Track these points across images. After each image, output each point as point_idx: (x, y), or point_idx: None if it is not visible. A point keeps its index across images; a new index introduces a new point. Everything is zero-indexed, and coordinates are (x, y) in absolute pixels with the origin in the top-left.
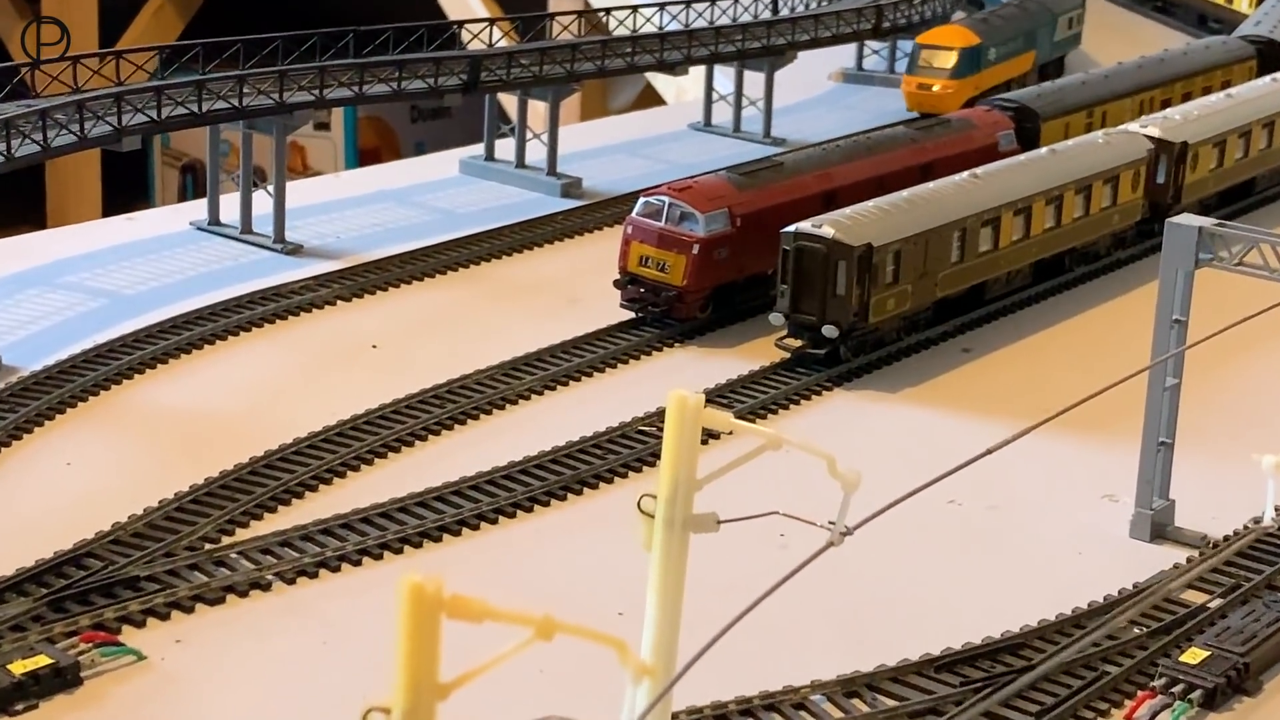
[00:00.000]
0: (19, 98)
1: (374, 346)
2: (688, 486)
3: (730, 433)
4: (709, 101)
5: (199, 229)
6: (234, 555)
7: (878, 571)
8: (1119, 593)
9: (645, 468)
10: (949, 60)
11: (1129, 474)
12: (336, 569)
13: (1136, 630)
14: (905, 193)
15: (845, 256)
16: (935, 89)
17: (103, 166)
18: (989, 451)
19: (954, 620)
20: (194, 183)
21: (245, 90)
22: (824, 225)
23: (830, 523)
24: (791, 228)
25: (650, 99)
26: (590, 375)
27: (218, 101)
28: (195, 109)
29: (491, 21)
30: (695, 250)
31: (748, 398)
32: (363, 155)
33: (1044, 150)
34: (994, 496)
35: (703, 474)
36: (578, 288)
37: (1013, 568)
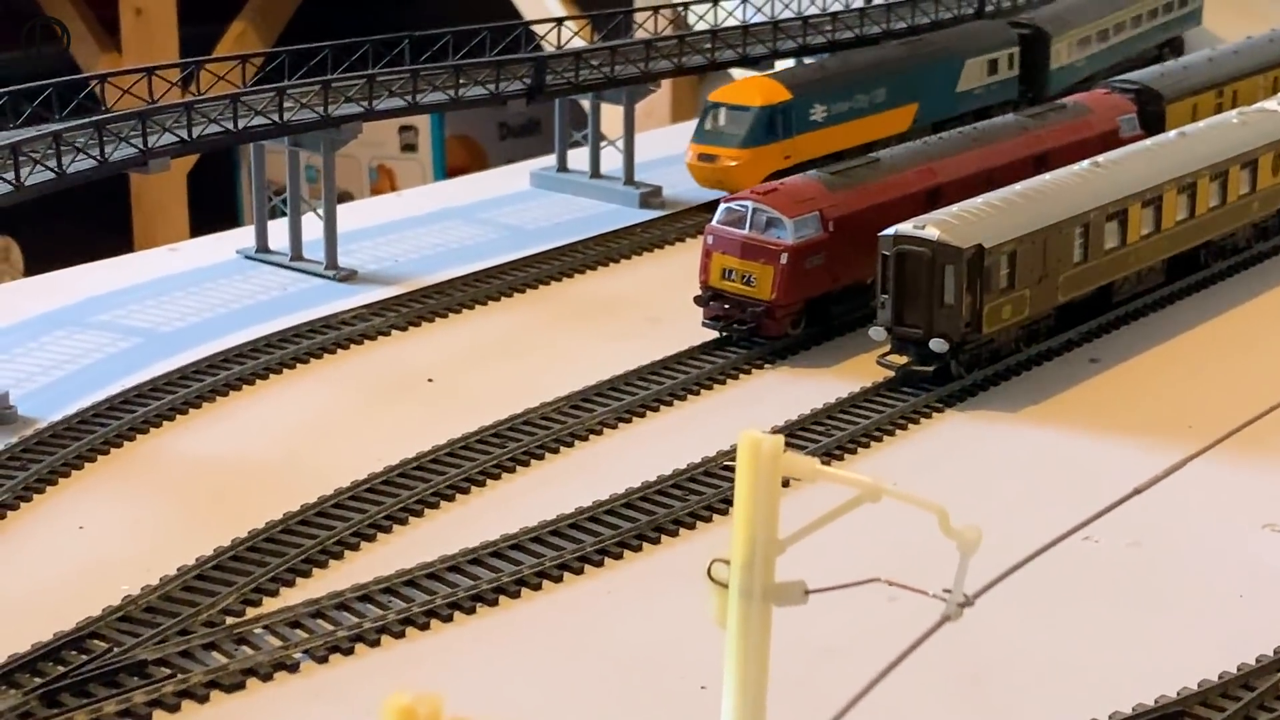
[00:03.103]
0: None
1: (429, 380)
2: (767, 549)
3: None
4: None
5: (246, 257)
6: (258, 631)
7: (1000, 627)
8: None
9: (731, 510)
10: (740, 123)
11: None
12: (375, 643)
13: None
14: (1019, 186)
15: (953, 260)
16: (719, 161)
17: (191, 196)
18: (1137, 491)
19: (1096, 684)
20: (282, 208)
21: (286, 104)
22: (928, 226)
23: (946, 590)
24: (891, 230)
25: None
26: (670, 404)
27: (256, 117)
28: (230, 126)
29: (559, 21)
30: (784, 260)
31: (847, 424)
32: (452, 175)
33: (1172, 134)
34: (1135, 531)
35: (785, 531)
36: (657, 306)
37: (1162, 617)
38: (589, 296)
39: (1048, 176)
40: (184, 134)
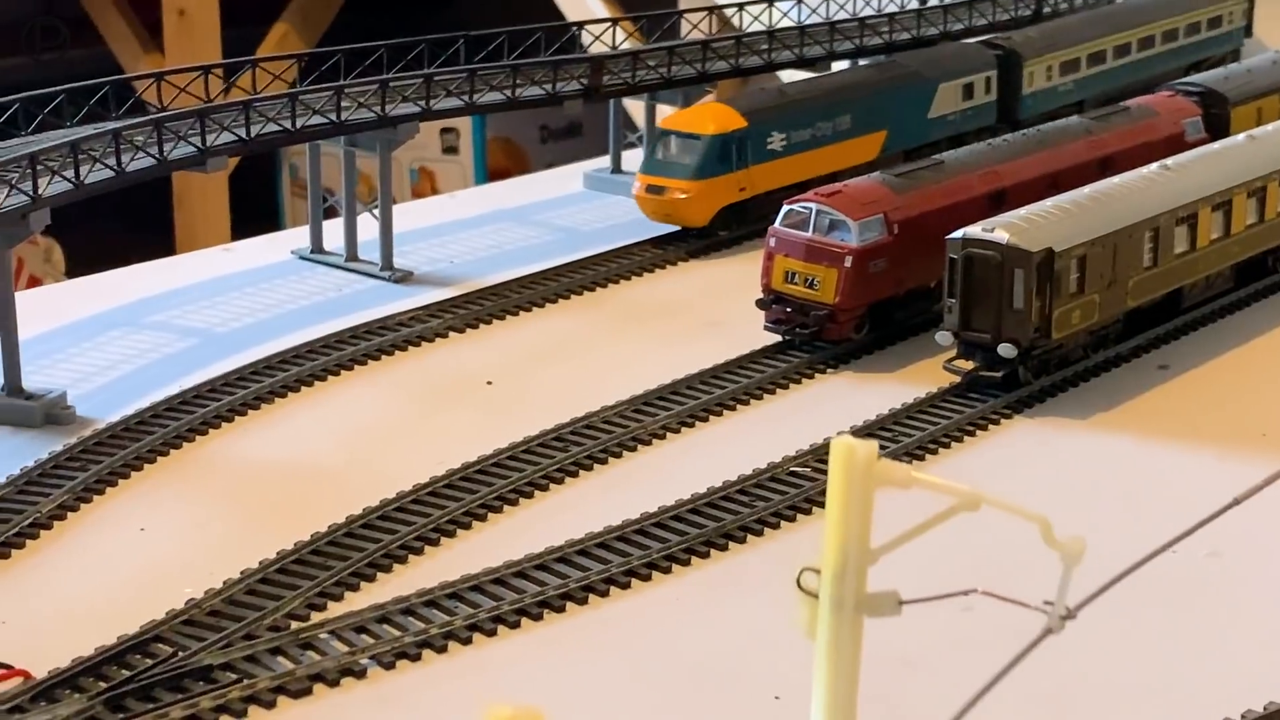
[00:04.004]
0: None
1: (489, 383)
2: (860, 559)
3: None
4: None
5: (301, 258)
6: (323, 636)
7: (1079, 641)
8: None
9: (800, 516)
10: (691, 153)
11: None
12: (443, 649)
13: None
14: (1087, 189)
15: (1023, 264)
16: (667, 193)
17: (231, 198)
18: (1236, 502)
19: (1178, 701)
20: (325, 212)
21: (344, 103)
22: (997, 229)
23: (1047, 603)
24: (959, 233)
25: None
26: (733, 409)
27: (314, 116)
28: (289, 125)
29: (614, 21)
30: (848, 263)
31: (914, 430)
32: (492, 178)
33: (1240, 137)
34: (1214, 540)
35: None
36: (716, 310)
37: (1246, 630)
38: (646, 300)
39: (1116, 180)
40: (242, 133)
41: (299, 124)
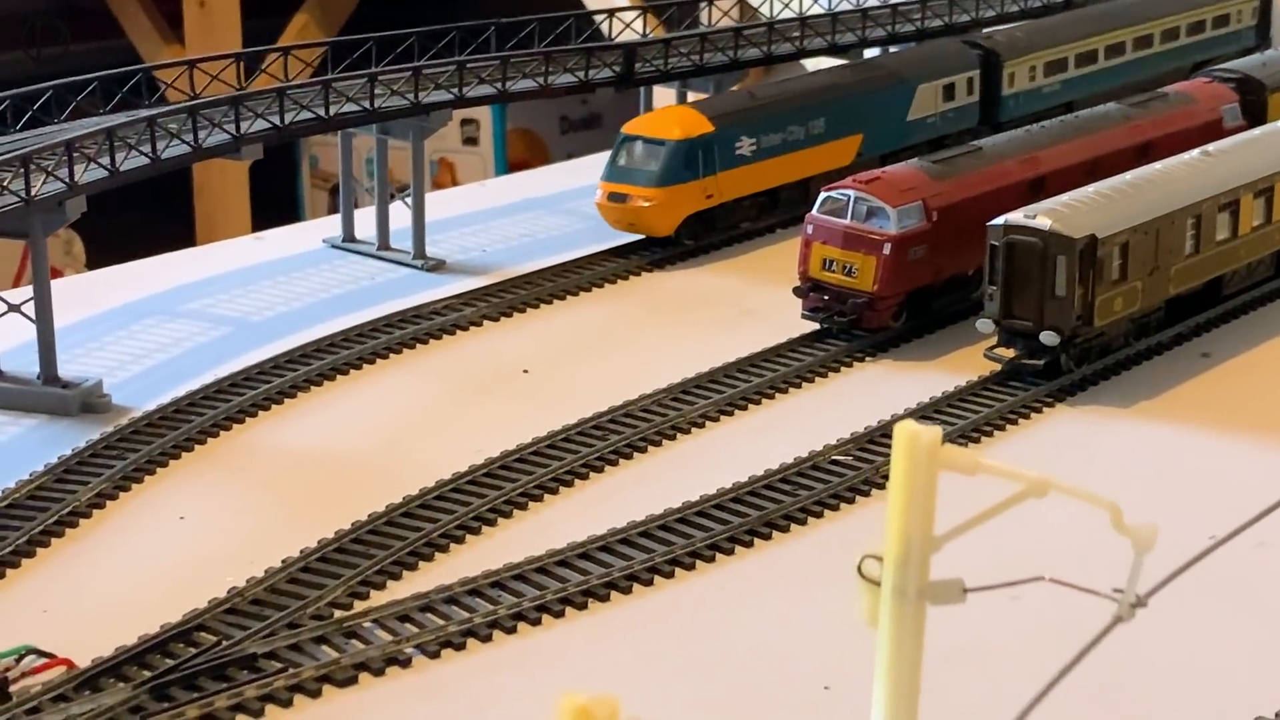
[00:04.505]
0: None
1: (525, 371)
2: (923, 546)
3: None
4: None
5: (332, 246)
6: (367, 625)
7: (1124, 631)
8: None
9: (844, 505)
10: (655, 159)
11: None
12: (488, 638)
13: None
14: (1129, 175)
15: (1066, 251)
16: (630, 201)
17: (251, 190)
18: None
19: (1225, 691)
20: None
21: (377, 91)
22: (1039, 215)
23: (1116, 590)
24: (1001, 219)
25: None
26: (771, 397)
27: (347, 104)
28: (322, 113)
29: (645, 9)
30: (887, 250)
31: (955, 418)
32: (513, 169)
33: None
34: (1261, 530)
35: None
36: (751, 297)
37: None
38: (680, 288)
39: (1158, 166)
40: (276, 120)
41: (332, 112)
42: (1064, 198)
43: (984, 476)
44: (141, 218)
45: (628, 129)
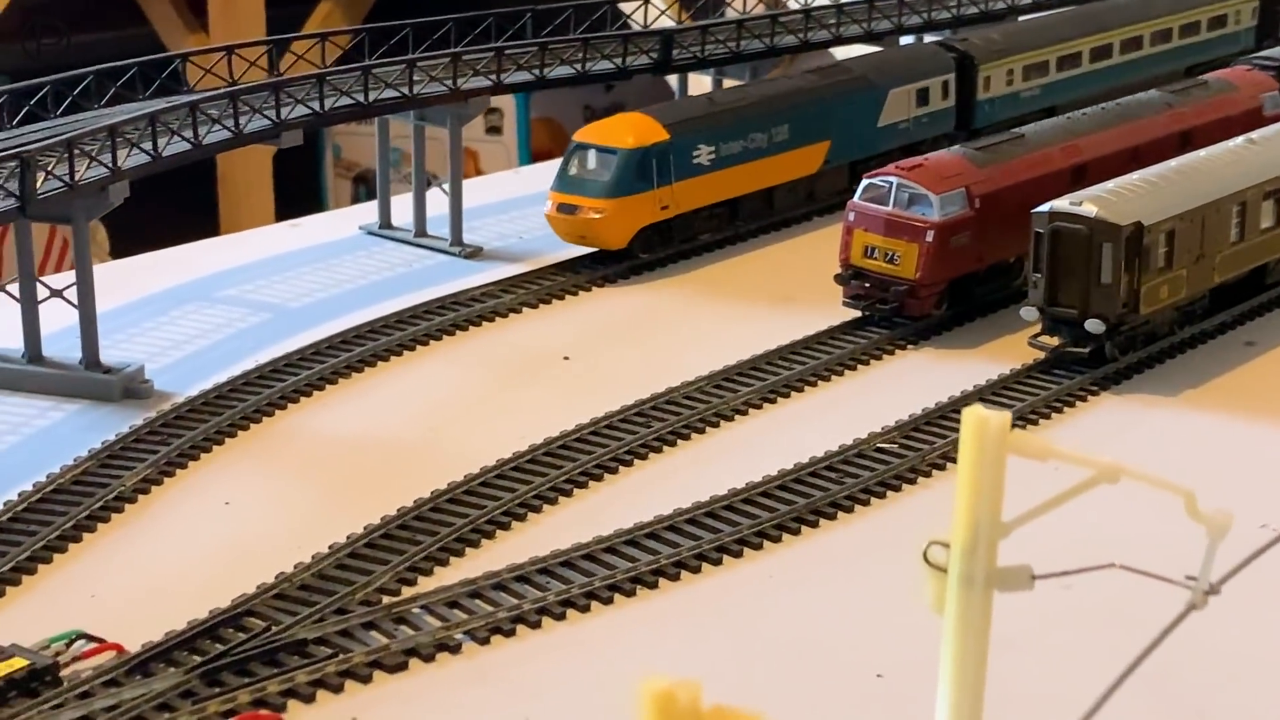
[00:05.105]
0: (174, 94)
1: (565, 358)
2: (991, 533)
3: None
4: None
5: (369, 233)
6: (416, 611)
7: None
8: None
9: (890, 493)
10: (607, 168)
11: None
12: (536, 624)
13: None
14: (1173, 163)
15: (1112, 238)
16: (580, 212)
17: (274, 178)
18: None
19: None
20: (367, 193)
21: (415, 77)
22: (1084, 203)
23: (1190, 578)
24: (1046, 206)
25: None
26: (814, 385)
27: (385, 90)
28: (361, 99)
29: None
30: (929, 237)
31: (1000, 406)
32: (536, 158)
33: None
34: None
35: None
36: (790, 285)
37: None
38: (718, 275)
39: (1202, 153)
40: (316, 106)
41: (371, 98)
42: (1109, 185)
43: (1054, 463)
44: (164, 205)
45: (579, 136)
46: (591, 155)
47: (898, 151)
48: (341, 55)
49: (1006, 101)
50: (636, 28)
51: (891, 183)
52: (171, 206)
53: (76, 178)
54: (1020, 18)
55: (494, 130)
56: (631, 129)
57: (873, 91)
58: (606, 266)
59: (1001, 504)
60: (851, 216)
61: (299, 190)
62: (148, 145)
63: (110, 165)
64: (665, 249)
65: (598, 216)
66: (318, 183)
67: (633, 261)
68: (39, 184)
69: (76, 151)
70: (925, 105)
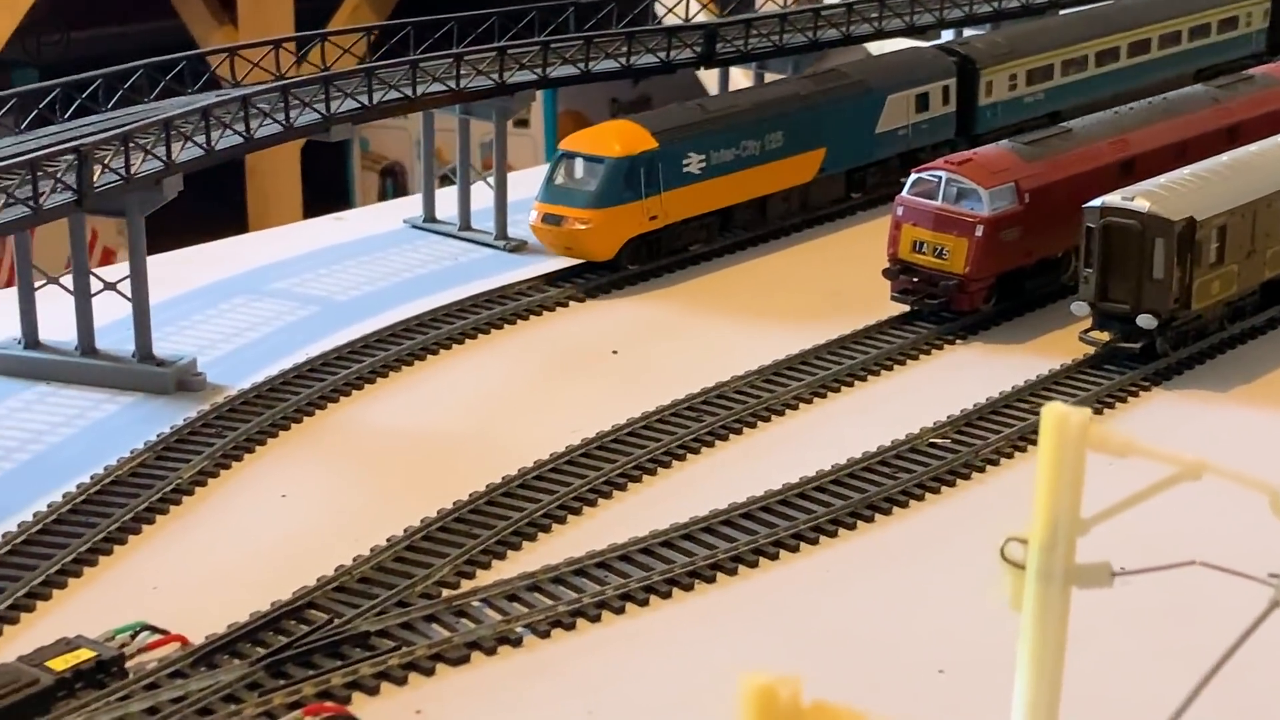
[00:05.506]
0: (214, 88)
1: (614, 352)
2: (1070, 529)
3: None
4: None
5: (413, 227)
6: (476, 604)
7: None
8: None
9: (944, 489)
10: (593, 177)
11: None
12: (596, 618)
13: None
14: (1225, 157)
15: (1164, 233)
16: (566, 223)
17: (302, 171)
18: None
19: None
20: (394, 186)
21: (462, 71)
22: (1137, 198)
23: (1273, 575)
24: (1098, 201)
25: None
26: (863, 379)
27: (432, 84)
28: (409, 93)
29: None
30: (979, 232)
31: (1051, 401)
32: None
33: None
34: None
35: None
36: (837, 279)
37: None
38: (763, 270)
39: (1254, 148)
40: (364, 99)
41: (419, 91)
42: (1161, 180)
43: (1134, 458)
44: (190, 200)
45: (565, 144)
46: (578, 164)
47: (896, 160)
48: (385, 50)
49: (1009, 107)
50: (672, 22)
51: (940, 177)
52: (198, 200)
53: (132, 171)
54: (1061, 11)
55: (521, 123)
56: (619, 137)
57: (870, 97)
58: (659, 259)
59: (1081, 500)
60: (900, 211)
61: (326, 184)
62: (200, 139)
63: (165, 159)
64: (654, 260)
65: (583, 227)
66: (345, 176)
67: (681, 255)
68: (95, 177)
69: (131, 145)
70: (925, 111)
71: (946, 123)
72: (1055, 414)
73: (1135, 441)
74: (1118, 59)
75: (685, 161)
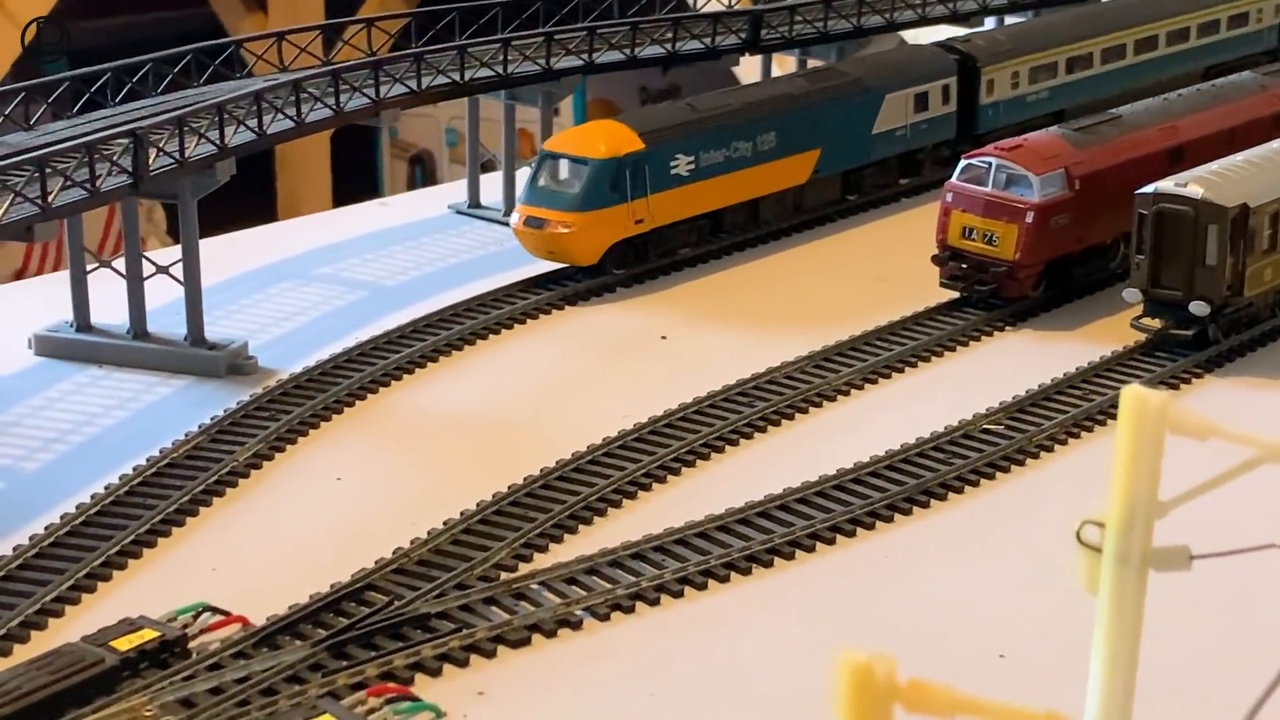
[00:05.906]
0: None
1: (663, 337)
2: (1148, 513)
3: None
4: None
5: (458, 212)
6: (535, 587)
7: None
8: None
9: (999, 474)
10: (577, 179)
11: None
12: (655, 602)
13: None
14: (1276, 144)
15: (1217, 220)
16: (548, 226)
17: (331, 159)
18: None
19: None
20: (423, 174)
21: (509, 57)
22: (1189, 184)
23: None
24: (1151, 188)
25: None
26: (914, 365)
27: (480, 69)
28: (457, 78)
29: None
30: (1030, 219)
31: (1105, 388)
32: None
33: None
34: None
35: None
36: (884, 264)
37: None
38: (810, 255)
39: None
40: (413, 84)
41: (467, 76)
42: (1213, 166)
43: (1215, 441)
44: (224, 189)
45: (549, 145)
46: (563, 165)
47: (894, 160)
48: (431, 35)
49: (1011, 106)
50: (715, 9)
51: (990, 163)
52: (229, 188)
53: (186, 154)
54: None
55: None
56: (605, 138)
57: (867, 96)
58: (718, 240)
59: (1159, 483)
60: (949, 197)
61: (355, 171)
62: (252, 123)
63: (218, 142)
64: (640, 265)
65: (566, 231)
66: (374, 164)
67: (730, 239)
68: (150, 161)
69: (185, 129)
70: (924, 111)
71: (946, 122)
72: (1134, 395)
73: (1215, 424)
74: (1124, 56)
75: (673, 163)
